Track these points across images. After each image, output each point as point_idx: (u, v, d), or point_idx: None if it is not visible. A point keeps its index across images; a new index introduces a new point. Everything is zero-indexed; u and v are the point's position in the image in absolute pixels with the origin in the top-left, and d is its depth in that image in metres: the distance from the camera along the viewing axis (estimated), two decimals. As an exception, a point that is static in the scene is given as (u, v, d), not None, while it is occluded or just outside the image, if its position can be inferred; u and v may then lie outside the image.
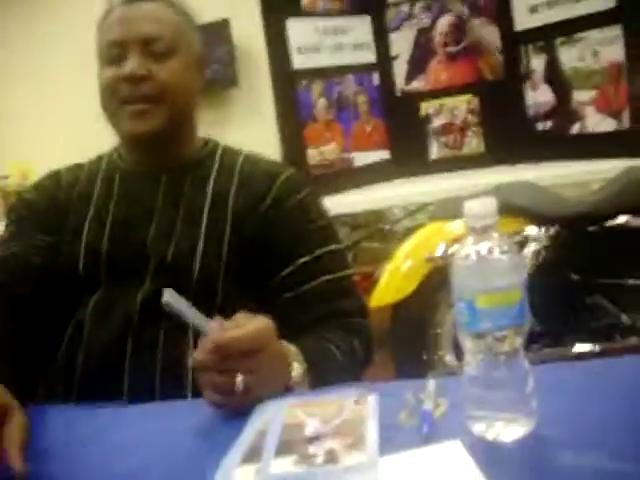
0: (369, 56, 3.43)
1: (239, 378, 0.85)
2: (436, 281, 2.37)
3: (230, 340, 0.85)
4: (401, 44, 3.47)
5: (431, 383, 0.85)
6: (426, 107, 3.48)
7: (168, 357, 1.11)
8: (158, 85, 1.17)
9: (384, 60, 3.45)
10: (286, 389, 0.93)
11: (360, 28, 3.39)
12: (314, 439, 0.75)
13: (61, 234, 1.22)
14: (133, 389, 1.09)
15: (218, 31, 4.26)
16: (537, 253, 2.33)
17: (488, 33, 3.37)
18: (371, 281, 2.55)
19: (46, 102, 4.99)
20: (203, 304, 0.99)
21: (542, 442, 0.72)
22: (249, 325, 0.88)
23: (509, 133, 3.32)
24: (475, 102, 3.42)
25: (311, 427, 0.77)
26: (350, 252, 3.19)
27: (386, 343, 2.43)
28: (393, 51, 3.47)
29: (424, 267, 2.41)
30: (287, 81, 3.19)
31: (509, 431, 0.72)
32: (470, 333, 0.71)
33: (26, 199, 1.29)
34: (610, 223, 2.37)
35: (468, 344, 0.72)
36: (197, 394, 0.92)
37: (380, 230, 3.52)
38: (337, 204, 3.20)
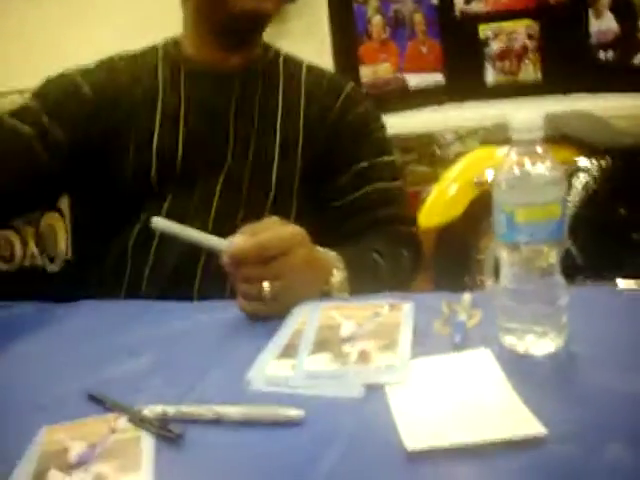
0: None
1: (265, 284, 0.87)
2: (483, 206, 2.35)
3: (244, 249, 0.87)
4: (462, -38, 3.35)
5: (467, 296, 0.87)
6: (484, 30, 3.37)
7: None
8: None
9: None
10: (325, 296, 0.95)
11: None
12: (348, 340, 0.77)
13: (125, 134, 1.18)
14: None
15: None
16: (586, 185, 2.30)
17: (555, -46, 3.23)
18: (418, 202, 2.55)
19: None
20: (279, 215, 1.00)
21: (571, 359, 0.73)
22: (271, 230, 0.90)
23: (568, 61, 3.21)
24: (535, 27, 3.31)
25: (346, 328, 0.80)
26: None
27: (428, 266, 2.45)
28: (453, -31, 3.36)
29: (471, 191, 2.40)
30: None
31: (539, 345, 0.74)
32: (507, 245, 0.73)
33: (81, 92, 1.19)
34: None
35: (504, 256, 0.74)
36: None
37: (430, 153, 3.49)
38: (388, 125, 3.18)
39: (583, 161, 2.34)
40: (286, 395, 0.70)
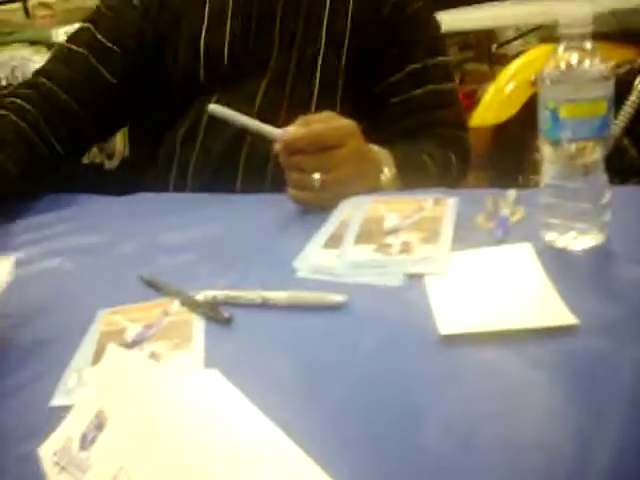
0: None
1: (315, 175, 0.89)
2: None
3: (297, 137, 0.90)
4: None
5: (511, 192, 0.88)
6: None
7: (279, 172, 1.14)
8: None
9: None
10: (374, 191, 0.97)
11: None
12: (391, 231, 0.80)
13: (174, 36, 1.21)
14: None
15: None
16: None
17: None
18: (474, 100, 2.51)
19: None
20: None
21: (610, 256, 0.74)
22: (324, 123, 0.92)
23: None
24: None
25: (390, 221, 0.82)
26: (457, 71, 3.12)
27: (482, 164, 2.43)
28: None
29: (529, 90, 2.34)
30: None
31: (579, 241, 0.75)
32: (551, 141, 0.73)
33: (131, 5, 1.22)
34: None
35: (548, 153, 0.74)
36: None
37: (488, 51, 3.40)
38: (446, 21, 3.09)
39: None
40: (330, 282, 0.73)
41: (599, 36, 2.19)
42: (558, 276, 0.69)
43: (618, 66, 2.30)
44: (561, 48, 0.71)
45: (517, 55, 2.68)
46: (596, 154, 0.73)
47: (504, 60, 2.99)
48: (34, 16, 4.63)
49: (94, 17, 1.24)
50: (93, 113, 1.20)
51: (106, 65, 1.19)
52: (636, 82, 2.24)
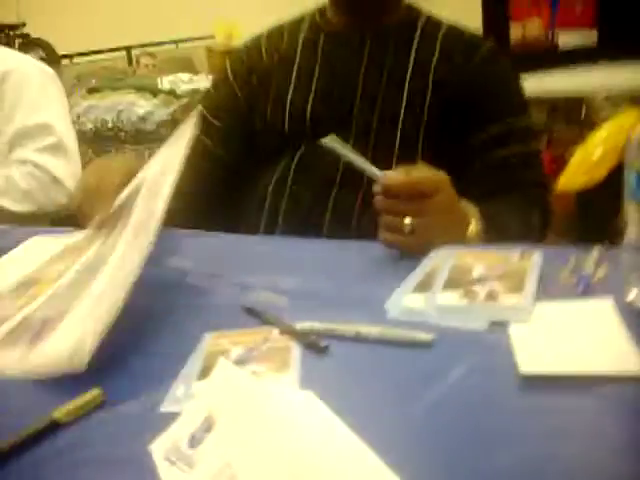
0: None
1: (407, 220, 0.95)
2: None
3: (397, 182, 0.96)
4: None
5: (596, 250, 0.92)
6: (646, -13, 3.24)
7: (365, 219, 1.21)
8: None
9: None
10: (461, 244, 1.01)
11: None
12: (478, 280, 0.85)
13: (263, 97, 1.34)
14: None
15: None
16: None
17: None
18: (561, 165, 2.54)
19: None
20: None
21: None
22: (421, 172, 0.98)
23: None
24: None
25: (477, 270, 0.87)
26: (544, 135, 3.15)
27: (566, 229, 2.44)
28: None
29: (616, 156, 2.36)
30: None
31: (662, 300, 0.78)
32: (634, 202, 0.77)
33: (224, 70, 1.41)
34: None
35: (632, 213, 0.78)
36: None
37: (578, 115, 3.42)
38: (536, 85, 3.14)
39: None
40: (418, 324, 0.78)
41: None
42: (637, 332, 0.72)
43: None
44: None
45: (606, 120, 2.69)
46: (679, 215, 0.76)
47: (593, 125, 3.01)
48: (138, 64, 4.92)
49: (205, 98, 1.45)
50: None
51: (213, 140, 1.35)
52: None
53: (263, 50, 1.38)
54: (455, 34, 1.33)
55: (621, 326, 0.73)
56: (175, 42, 5.28)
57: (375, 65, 1.29)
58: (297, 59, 1.34)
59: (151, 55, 4.94)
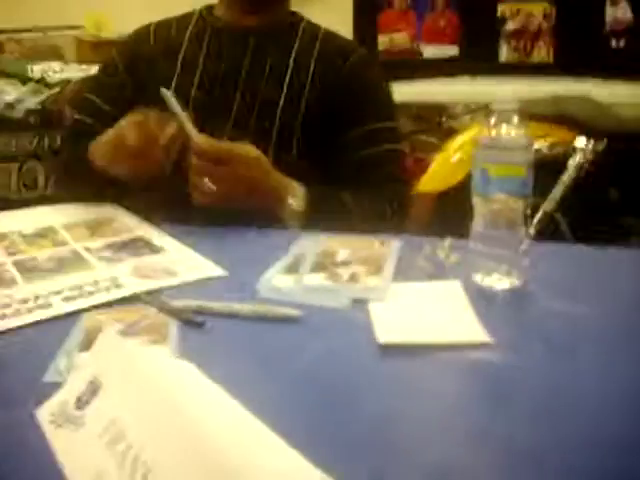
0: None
1: (206, 179, 1.10)
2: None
3: (203, 145, 1.11)
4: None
5: (448, 240, 1.02)
6: (502, 9, 3.49)
7: None
8: None
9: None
10: (275, 218, 1.16)
11: None
12: (342, 264, 0.93)
13: (149, 85, 1.36)
14: None
15: None
16: (580, 165, 2.43)
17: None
18: (421, 168, 2.69)
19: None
20: (281, 156, 1.25)
21: (525, 293, 0.88)
22: (236, 145, 1.14)
23: (581, 46, 3.33)
24: (552, 10, 3.42)
25: (342, 255, 0.95)
26: (408, 142, 3.31)
27: (428, 230, 2.58)
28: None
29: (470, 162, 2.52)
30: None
31: (501, 282, 0.88)
32: (481, 196, 0.87)
33: (113, 58, 1.44)
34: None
35: (478, 205, 0.88)
36: None
37: (439, 124, 3.61)
38: (400, 93, 3.29)
39: (579, 142, 2.47)
40: (287, 303, 0.85)
41: (540, 117, 2.40)
42: (481, 309, 0.82)
43: (554, 146, 2.52)
44: (493, 120, 0.86)
45: (464, 128, 2.88)
46: (517, 209, 0.87)
47: (452, 133, 3.20)
48: (2, 50, 4.73)
49: (91, 84, 1.49)
50: None
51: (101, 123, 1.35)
52: (569, 162, 2.44)
53: (151, 39, 1.43)
54: (332, 38, 1.42)
55: (467, 303, 0.83)
56: (43, 30, 5.11)
57: (257, 59, 1.36)
58: (183, 50, 1.39)
59: (17, 42, 4.77)
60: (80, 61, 4.78)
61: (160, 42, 1.42)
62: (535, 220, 2.46)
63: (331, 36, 1.42)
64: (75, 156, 1.35)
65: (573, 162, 2.44)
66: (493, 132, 0.86)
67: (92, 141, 1.29)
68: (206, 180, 1.10)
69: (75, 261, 1.02)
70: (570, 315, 0.81)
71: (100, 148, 1.24)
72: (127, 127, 1.15)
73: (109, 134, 1.21)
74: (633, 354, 0.73)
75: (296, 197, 1.17)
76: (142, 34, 1.45)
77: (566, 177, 2.43)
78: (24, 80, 2.67)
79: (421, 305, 0.84)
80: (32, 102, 2.57)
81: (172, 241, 1.09)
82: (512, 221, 0.88)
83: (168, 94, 1.14)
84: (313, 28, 1.43)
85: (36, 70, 2.71)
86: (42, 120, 2.61)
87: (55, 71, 2.70)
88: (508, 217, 0.87)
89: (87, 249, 1.06)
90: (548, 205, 2.45)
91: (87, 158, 1.27)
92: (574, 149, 2.47)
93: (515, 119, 0.86)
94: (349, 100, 1.34)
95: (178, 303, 0.84)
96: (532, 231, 2.47)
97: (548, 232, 2.50)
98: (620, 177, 2.52)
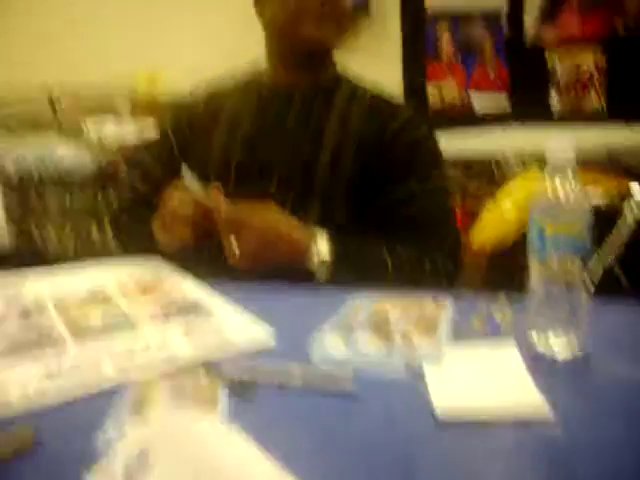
0: (500, 1, 3.44)
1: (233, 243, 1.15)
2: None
3: (223, 211, 1.15)
4: (534, -10, 3.45)
5: (503, 297, 0.99)
6: (552, 58, 3.47)
7: None
8: (341, 5, 1.35)
9: (514, 7, 3.45)
10: (305, 269, 1.17)
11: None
12: (395, 325, 0.91)
13: (194, 146, 1.41)
14: None
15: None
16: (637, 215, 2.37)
17: (628, -14, 3.31)
18: (474, 222, 2.66)
19: (175, 10, 5.17)
20: (325, 218, 1.25)
21: (586, 358, 0.84)
22: (249, 205, 1.17)
23: (634, 93, 3.28)
24: (602, 57, 3.39)
25: (394, 316, 0.93)
26: (458, 192, 3.29)
27: (482, 287, 2.54)
28: (525, -2, 3.46)
29: (526, 213, 2.48)
30: (416, 18, 3.25)
31: (559, 344, 0.85)
32: (538, 256, 0.85)
33: (163, 122, 1.50)
34: None
35: (535, 265, 0.86)
36: None
37: (490, 174, 3.58)
38: (450, 144, 3.28)
39: (635, 188, 2.41)
40: (339, 368, 0.82)
41: (592, 166, 2.37)
42: (538, 374, 0.79)
43: (607, 194, 2.47)
44: (548, 178, 0.84)
45: (516, 179, 2.84)
46: (575, 269, 0.84)
47: (505, 182, 3.16)
48: (60, 104, 4.88)
49: (144, 149, 1.53)
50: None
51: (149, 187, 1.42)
52: (625, 211, 2.38)
53: (199, 102, 1.46)
54: (378, 98, 1.42)
55: (525, 370, 0.80)
56: (98, 86, 5.28)
57: (302, 119, 1.37)
58: (228, 111, 1.42)
59: (73, 97, 4.92)
60: (134, 116, 4.92)
61: (207, 104, 1.45)
62: (591, 274, 2.40)
63: (377, 96, 1.42)
64: (129, 222, 1.41)
65: (629, 212, 2.38)
66: (549, 189, 0.83)
67: (144, 205, 1.35)
68: (233, 243, 1.15)
69: (126, 324, 1.01)
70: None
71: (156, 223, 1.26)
72: (174, 199, 1.20)
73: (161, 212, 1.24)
74: None
75: (320, 244, 1.18)
76: (190, 97, 1.49)
77: (623, 228, 2.37)
78: (79, 138, 2.74)
79: (477, 372, 0.81)
80: (87, 160, 2.63)
81: (222, 302, 1.08)
82: (571, 281, 0.85)
83: (189, 180, 1.21)
84: (359, 87, 1.43)
85: (91, 128, 2.78)
86: (97, 178, 2.67)
87: (109, 128, 2.77)
88: (566, 277, 0.84)
89: (138, 311, 1.06)
90: (605, 258, 2.39)
91: (139, 223, 1.32)
92: (629, 197, 2.41)
93: (570, 172, 0.84)
94: (393, 160, 1.33)
95: (229, 370, 0.82)
96: (590, 286, 2.41)
97: (607, 287, 2.43)
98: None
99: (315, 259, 1.17)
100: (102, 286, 1.18)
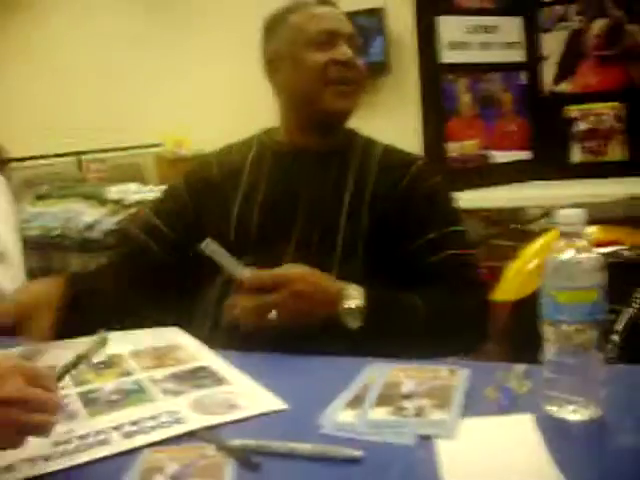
0: (518, 55, 3.46)
1: (273, 312, 1.13)
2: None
3: (253, 278, 1.15)
4: (552, 45, 3.46)
5: (519, 366, 0.97)
6: (571, 110, 3.47)
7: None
8: (360, 72, 1.38)
9: (533, 60, 3.47)
10: (333, 319, 1.16)
11: (511, 27, 3.42)
12: (408, 396, 0.89)
13: (212, 209, 1.41)
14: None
15: (374, 18, 4.44)
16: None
17: (644, 40, 3.32)
18: (497, 277, 2.63)
19: (202, 73, 5.28)
20: (346, 276, 1.23)
21: (604, 426, 0.82)
22: (275, 270, 1.17)
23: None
24: (622, 109, 3.38)
25: (408, 386, 0.91)
26: (482, 247, 3.27)
27: (504, 339, 2.50)
28: (543, 52, 3.48)
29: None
30: (434, 75, 3.28)
31: (577, 413, 0.83)
32: (550, 323, 0.83)
33: (178, 183, 1.49)
34: None
35: (548, 333, 0.84)
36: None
37: (514, 229, 3.56)
38: (473, 199, 3.29)
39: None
40: (350, 439, 0.81)
41: (614, 220, 2.34)
42: (555, 446, 0.77)
43: (632, 248, 2.43)
44: (560, 242, 0.83)
45: (541, 233, 2.81)
46: (591, 335, 0.82)
47: (529, 237, 3.14)
48: (87, 170, 4.98)
49: (155, 204, 1.53)
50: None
51: (160, 245, 1.43)
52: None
53: (214, 166, 1.46)
54: (390, 153, 1.43)
55: (540, 442, 0.78)
56: (125, 149, 5.37)
57: (317, 181, 1.38)
58: (245, 174, 1.42)
59: (101, 161, 5.01)
60: (161, 178, 4.98)
61: (222, 168, 1.45)
62: (620, 327, 2.36)
63: (389, 150, 1.44)
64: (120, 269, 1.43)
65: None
66: (561, 255, 0.82)
67: (139, 255, 1.40)
68: (273, 312, 1.13)
69: (138, 393, 1.01)
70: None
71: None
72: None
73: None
74: None
75: (352, 296, 1.17)
76: (205, 161, 1.50)
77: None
78: (103, 202, 2.78)
79: (490, 445, 0.79)
80: (110, 223, 2.66)
81: (235, 371, 1.07)
82: (586, 348, 0.83)
83: (212, 246, 1.18)
84: (371, 143, 1.45)
85: (114, 191, 2.82)
86: (119, 240, 2.70)
87: (132, 191, 2.81)
88: (581, 344, 0.82)
89: (152, 379, 1.06)
90: (632, 311, 2.35)
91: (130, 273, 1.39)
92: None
93: (584, 239, 0.82)
94: (409, 212, 1.33)
95: (236, 441, 0.81)
96: (617, 338, 2.37)
97: (634, 340, 2.39)
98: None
99: (348, 304, 1.16)
100: (118, 354, 1.18)
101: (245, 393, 0.98)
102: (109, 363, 1.14)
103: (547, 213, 3.31)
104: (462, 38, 3.32)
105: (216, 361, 1.13)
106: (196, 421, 0.89)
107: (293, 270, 1.18)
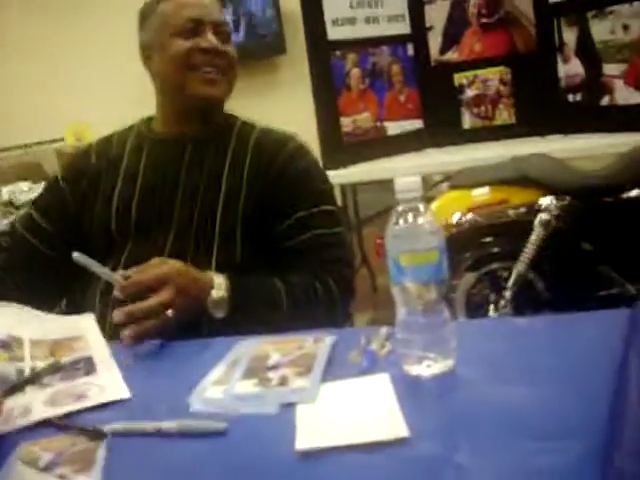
0: (403, 27, 3.54)
1: (169, 311, 1.13)
2: (451, 247, 2.50)
3: (130, 285, 1.14)
4: (435, 16, 3.56)
5: (383, 329, 1.02)
6: (459, 78, 3.57)
7: None
8: (227, 59, 1.40)
9: (418, 31, 3.56)
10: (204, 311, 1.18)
11: (394, 0, 3.50)
12: (273, 367, 0.93)
13: (92, 200, 1.43)
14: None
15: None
16: (547, 223, 2.45)
17: (522, 5, 3.44)
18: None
19: (101, 65, 5.19)
20: (224, 260, 1.28)
21: (453, 379, 0.87)
22: (150, 269, 1.16)
23: (540, 105, 3.39)
24: (507, 73, 3.51)
25: (274, 358, 0.95)
26: (382, 216, 3.34)
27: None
28: (427, 23, 3.57)
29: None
30: (322, 51, 3.32)
31: (430, 368, 0.88)
32: (397, 285, 0.88)
33: (55, 177, 1.50)
34: (623, 195, 2.48)
35: (397, 295, 0.89)
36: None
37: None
38: (369, 171, 3.36)
39: (544, 201, 2.50)
40: (218, 414, 0.85)
41: (501, 181, 2.44)
42: (407, 400, 0.82)
43: (519, 208, 2.55)
44: (399, 209, 0.88)
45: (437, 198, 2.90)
46: (435, 294, 0.88)
47: (431, 202, 3.22)
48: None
49: (37, 201, 1.52)
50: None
51: (42, 241, 1.44)
52: (535, 222, 2.46)
53: (93, 156, 1.47)
54: (266, 134, 1.46)
55: (393, 397, 0.83)
56: (24, 146, 5.24)
57: (195, 167, 1.40)
58: (124, 163, 1.44)
59: (1, 160, 4.88)
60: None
61: (101, 157, 1.47)
62: (510, 283, 2.48)
63: (265, 133, 1.46)
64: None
65: (539, 221, 2.46)
66: (400, 221, 0.87)
67: (27, 256, 1.42)
68: (169, 311, 1.13)
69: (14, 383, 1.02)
70: (499, 400, 0.80)
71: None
72: None
73: None
74: (569, 449, 0.69)
75: (218, 286, 1.19)
76: (83, 152, 1.51)
77: (534, 237, 2.45)
78: (-2, 207, 2.73)
79: (347, 405, 0.83)
80: (1, 225, 2.62)
81: (111, 362, 1.08)
82: (431, 307, 0.88)
83: (82, 257, 1.17)
84: (248, 127, 1.47)
85: (4, 192, 2.77)
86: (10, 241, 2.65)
87: (23, 191, 2.76)
88: (426, 304, 0.88)
89: (33, 369, 1.06)
90: (520, 267, 2.46)
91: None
92: (539, 208, 2.49)
93: (420, 206, 0.87)
94: (282, 191, 1.37)
95: (106, 426, 0.84)
96: (508, 294, 2.49)
97: (525, 293, 2.50)
98: (590, 229, 2.54)
99: (214, 295, 1.18)
100: (19, 337, 1.15)
101: (101, 384, 1.00)
102: (7, 344, 1.12)
103: (447, 178, 3.41)
104: (347, 13, 3.37)
105: (102, 352, 1.14)
106: (43, 412, 0.92)
107: (168, 266, 1.18)
